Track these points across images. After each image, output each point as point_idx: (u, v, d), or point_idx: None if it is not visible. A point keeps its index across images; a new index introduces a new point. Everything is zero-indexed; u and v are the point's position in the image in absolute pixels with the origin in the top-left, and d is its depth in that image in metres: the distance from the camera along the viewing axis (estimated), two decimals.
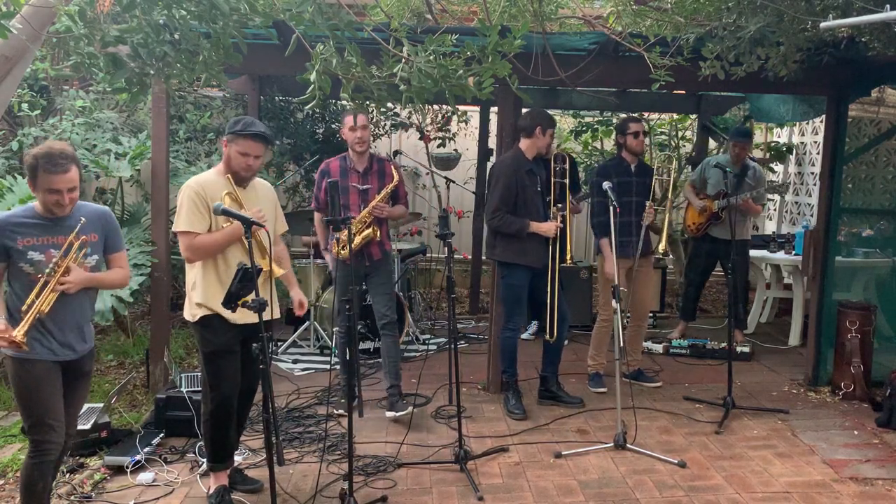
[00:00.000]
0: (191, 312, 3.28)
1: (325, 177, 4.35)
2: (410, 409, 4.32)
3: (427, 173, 7.84)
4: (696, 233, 6.01)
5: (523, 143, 4.51)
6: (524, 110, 4.83)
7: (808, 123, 7.22)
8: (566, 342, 6.17)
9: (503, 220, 4.43)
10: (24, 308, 2.75)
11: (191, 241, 3.16)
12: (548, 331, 4.58)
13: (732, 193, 5.57)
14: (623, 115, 7.83)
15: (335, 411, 4.43)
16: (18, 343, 2.68)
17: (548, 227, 4.44)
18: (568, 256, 4.50)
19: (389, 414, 4.34)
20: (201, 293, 3.23)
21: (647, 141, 5.08)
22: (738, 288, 6.02)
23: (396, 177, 4.42)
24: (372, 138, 7.52)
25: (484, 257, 7.11)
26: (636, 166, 4.85)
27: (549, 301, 4.53)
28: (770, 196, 7.77)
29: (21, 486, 2.87)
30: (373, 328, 5.54)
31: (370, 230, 4.32)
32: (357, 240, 4.26)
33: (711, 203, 5.80)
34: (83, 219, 2.87)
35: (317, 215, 4.59)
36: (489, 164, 6.74)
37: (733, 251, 4.68)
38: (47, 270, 2.78)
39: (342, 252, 4.17)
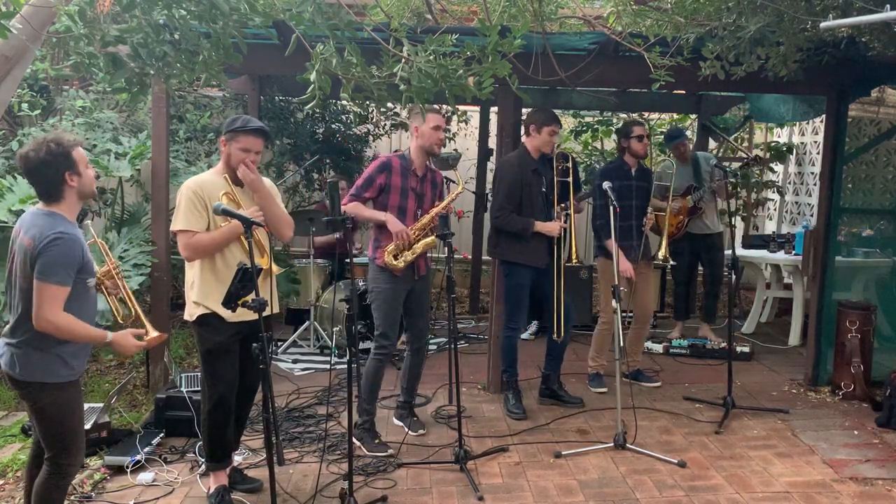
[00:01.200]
0: (189, 311, 3.29)
1: (384, 171, 3.95)
2: (421, 432, 4.22)
3: None
4: (677, 232, 6.04)
5: (527, 143, 4.51)
6: (524, 110, 4.83)
7: (808, 123, 7.23)
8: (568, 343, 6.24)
9: (507, 220, 4.41)
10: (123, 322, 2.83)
11: (188, 239, 3.16)
12: (555, 330, 4.51)
13: (700, 185, 5.73)
14: (623, 115, 7.90)
15: (361, 447, 3.95)
16: (161, 336, 2.85)
17: (552, 227, 4.41)
18: (573, 256, 4.48)
19: (398, 422, 4.32)
20: (199, 292, 3.23)
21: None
22: (714, 282, 6.07)
23: (461, 187, 4.13)
24: (372, 138, 7.55)
25: (485, 256, 7.12)
26: (637, 170, 4.85)
27: (555, 300, 4.48)
28: (772, 196, 7.79)
29: None
30: (373, 328, 5.53)
31: (432, 238, 3.96)
32: (419, 247, 3.95)
33: (685, 199, 5.84)
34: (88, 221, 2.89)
35: (353, 205, 3.94)
36: (489, 164, 6.75)
37: (733, 251, 4.68)
38: (118, 274, 2.85)
39: (394, 262, 3.90)
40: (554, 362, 4.71)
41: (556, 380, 4.73)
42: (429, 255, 4.27)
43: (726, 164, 6.86)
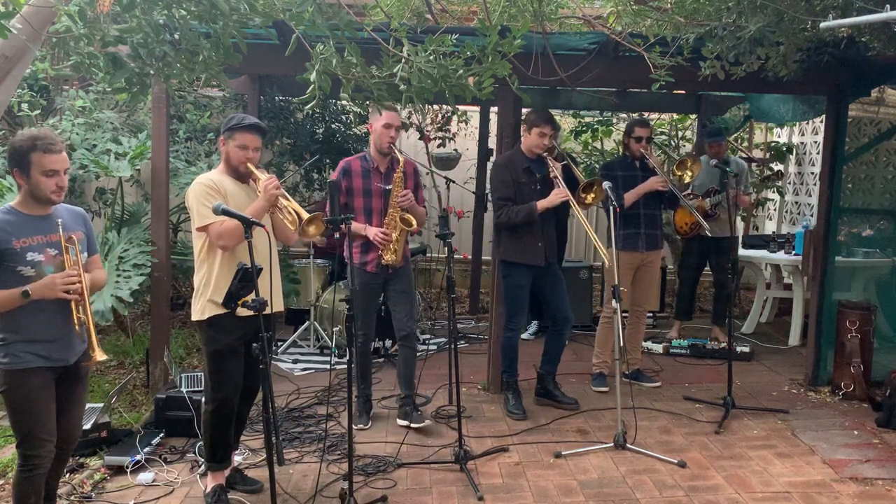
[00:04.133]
0: (200, 310, 3.25)
1: (346, 176, 4.12)
2: (429, 422, 4.25)
3: (427, 173, 7.84)
4: (688, 233, 6.03)
5: (522, 142, 4.52)
6: (524, 110, 4.83)
7: (808, 123, 7.23)
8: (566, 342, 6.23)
9: (509, 213, 4.38)
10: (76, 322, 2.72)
11: (218, 227, 3.13)
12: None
13: (723, 190, 5.66)
14: (623, 115, 7.89)
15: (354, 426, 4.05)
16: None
17: (553, 197, 4.29)
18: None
19: (402, 422, 4.29)
20: (215, 290, 3.19)
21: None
22: (723, 285, 6.06)
23: (400, 166, 4.08)
24: None
25: (485, 256, 7.13)
26: (641, 163, 4.86)
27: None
28: (772, 196, 7.79)
29: (14, 500, 2.77)
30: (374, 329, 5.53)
31: (404, 224, 4.11)
32: (398, 235, 4.09)
33: (702, 202, 5.82)
34: (77, 216, 2.86)
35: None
36: (489, 164, 6.75)
37: (735, 250, 4.68)
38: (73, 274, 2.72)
39: (389, 258, 4.09)
40: (550, 363, 4.67)
41: (551, 380, 4.70)
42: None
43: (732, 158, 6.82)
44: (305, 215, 3.15)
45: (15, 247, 2.64)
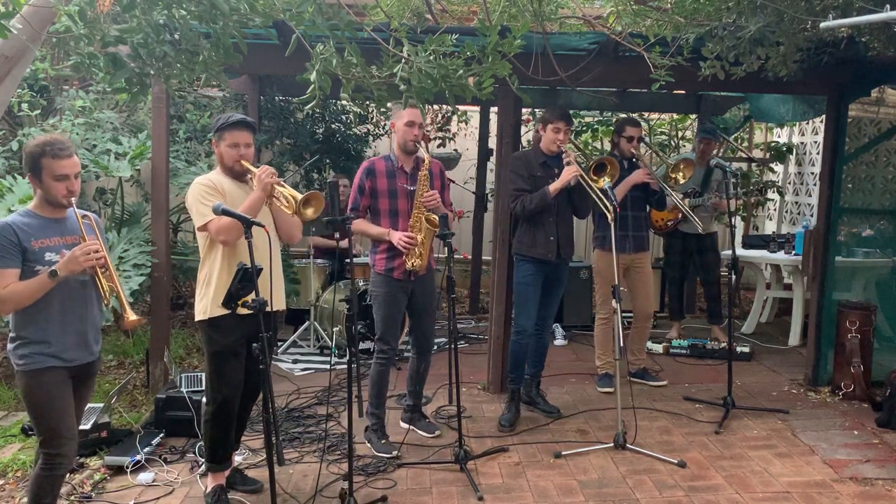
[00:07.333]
0: (202, 309, 3.24)
1: (370, 176, 3.89)
2: (438, 432, 4.19)
3: None
4: (663, 228, 6.01)
5: (541, 141, 4.42)
6: (524, 110, 4.83)
7: (808, 123, 7.23)
8: (566, 342, 6.23)
9: (524, 202, 4.26)
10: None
11: (217, 223, 3.12)
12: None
13: (703, 192, 5.67)
14: (623, 115, 7.89)
15: (386, 454, 3.91)
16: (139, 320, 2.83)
17: (563, 177, 4.18)
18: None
19: (404, 425, 4.25)
20: (216, 291, 3.18)
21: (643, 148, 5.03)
22: (710, 283, 6.05)
23: (426, 164, 3.90)
24: (372, 138, 7.56)
25: (485, 256, 7.12)
26: (629, 163, 4.85)
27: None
28: (772, 196, 7.79)
29: (29, 497, 2.81)
30: (372, 328, 5.51)
31: (431, 222, 3.87)
32: (426, 239, 3.87)
33: (682, 200, 5.79)
34: (91, 217, 2.87)
35: (358, 223, 3.89)
36: (489, 164, 6.75)
37: (733, 251, 4.67)
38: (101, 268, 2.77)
39: (415, 263, 3.85)
40: (532, 364, 4.55)
41: (535, 385, 4.61)
42: (433, 255, 4.20)
43: (727, 163, 6.86)
44: (300, 196, 3.11)
45: (33, 247, 2.70)
